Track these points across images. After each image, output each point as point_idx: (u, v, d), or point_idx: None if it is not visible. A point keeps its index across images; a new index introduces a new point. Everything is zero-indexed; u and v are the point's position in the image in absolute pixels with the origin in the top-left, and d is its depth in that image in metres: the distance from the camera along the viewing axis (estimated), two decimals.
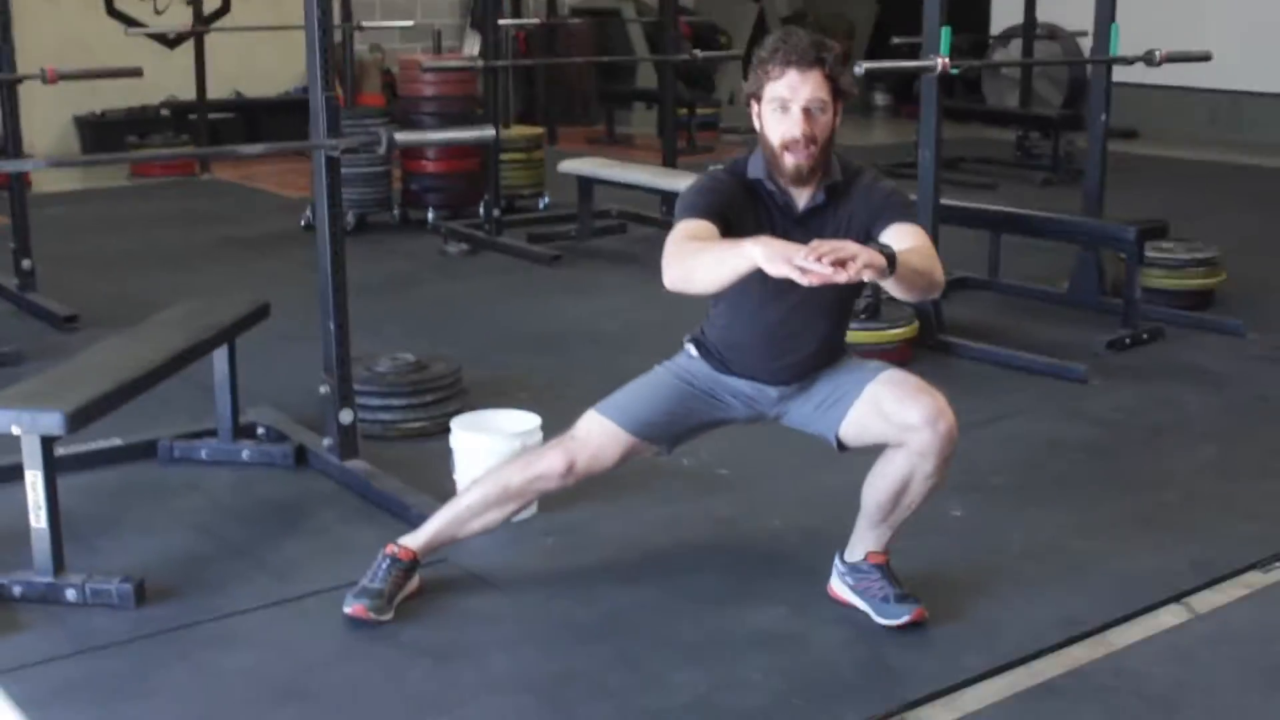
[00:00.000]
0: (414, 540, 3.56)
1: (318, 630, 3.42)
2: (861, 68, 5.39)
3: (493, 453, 3.95)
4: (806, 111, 3.22)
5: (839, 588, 3.55)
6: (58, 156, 11.22)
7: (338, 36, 10.57)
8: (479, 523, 3.56)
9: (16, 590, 3.52)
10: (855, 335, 5.44)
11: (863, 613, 3.45)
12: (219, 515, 4.16)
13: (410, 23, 12.48)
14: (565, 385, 5.29)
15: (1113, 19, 6.36)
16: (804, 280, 2.81)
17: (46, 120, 11.27)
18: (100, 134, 11.80)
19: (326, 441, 4.43)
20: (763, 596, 3.59)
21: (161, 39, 11.87)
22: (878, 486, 3.39)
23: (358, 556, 3.64)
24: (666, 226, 8.21)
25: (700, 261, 3.06)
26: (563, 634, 3.41)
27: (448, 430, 4.21)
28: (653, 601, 3.57)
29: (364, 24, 11.05)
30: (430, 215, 8.68)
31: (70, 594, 3.50)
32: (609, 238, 8.34)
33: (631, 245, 8.20)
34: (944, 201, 5.98)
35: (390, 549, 3.53)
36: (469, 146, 8.41)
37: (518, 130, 9.66)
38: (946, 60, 5.49)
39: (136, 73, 6.93)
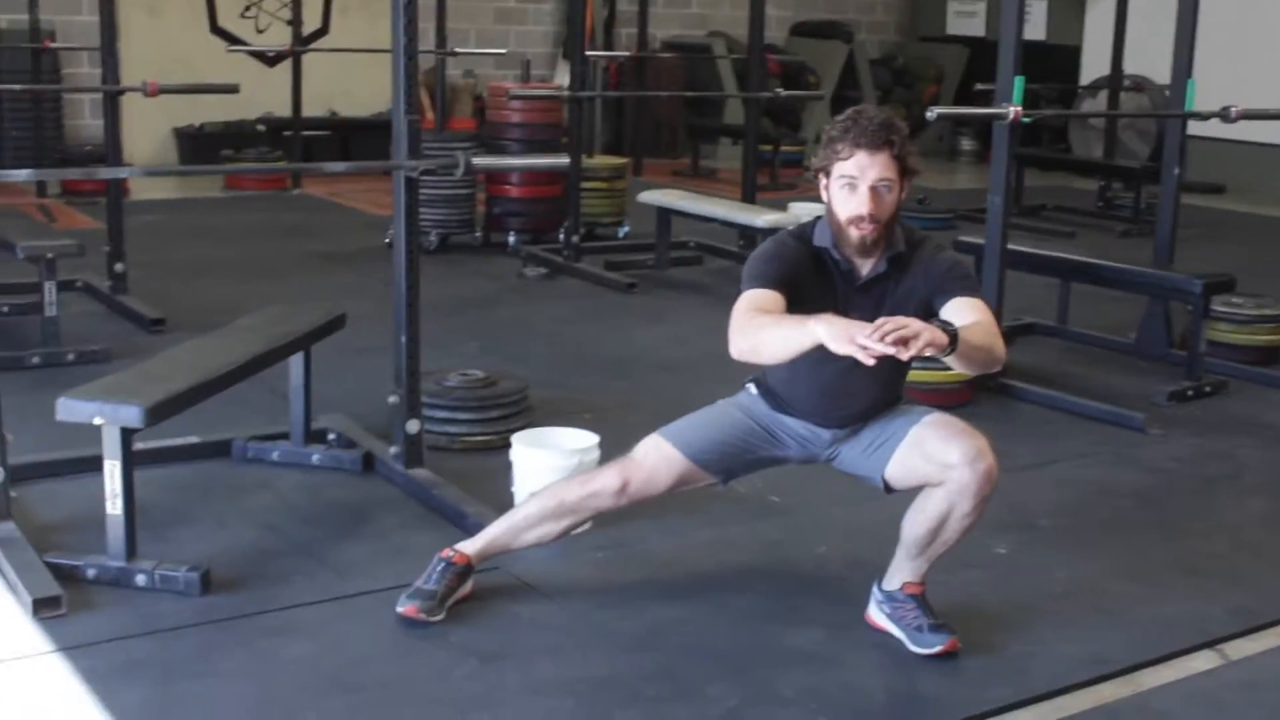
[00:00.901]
0: (470, 546, 3.70)
1: (372, 627, 3.56)
2: (933, 113, 5.50)
3: (550, 468, 4.09)
4: (873, 190, 3.32)
5: (876, 615, 3.64)
6: (155, 166, 11.55)
7: (432, 62, 10.82)
8: (533, 534, 3.70)
9: (90, 572, 3.69)
10: (916, 375, 5.50)
11: (897, 640, 3.55)
12: (286, 514, 4.32)
13: (503, 51, 12.72)
14: (630, 409, 5.42)
15: (1189, 74, 6.41)
16: (867, 360, 2.95)
17: (147, 131, 11.61)
18: (197, 146, 12.12)
19: (393, 450, 4.59)
20: (802, 618, 3.69)
21: (261, 57, 12.17)
22: (916, 521, 3.48)
23: (416, 560, 3.78)
24: (742, 260, 8.36)
25: (767, 337, 3.20)
26: (605, 643, 3.53)
27: (510, 445, 4.35)
28: (694, 617, 3.68)
29: (458, 50, 11.29)
30: (511, 238, 8.86)
31: (140, 579, 3.67)
32: (685, 268, 8.47)
33: (706, 277, 8.33)
34: (1014, 248, 6.06)
35: (446, 553, 3.67)
36: (552, 173, 8.59)
37: (601, 160, 9.84)
38: (1019, 109, 5.57)
39: (234, 89, 7.15)
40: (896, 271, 3.44)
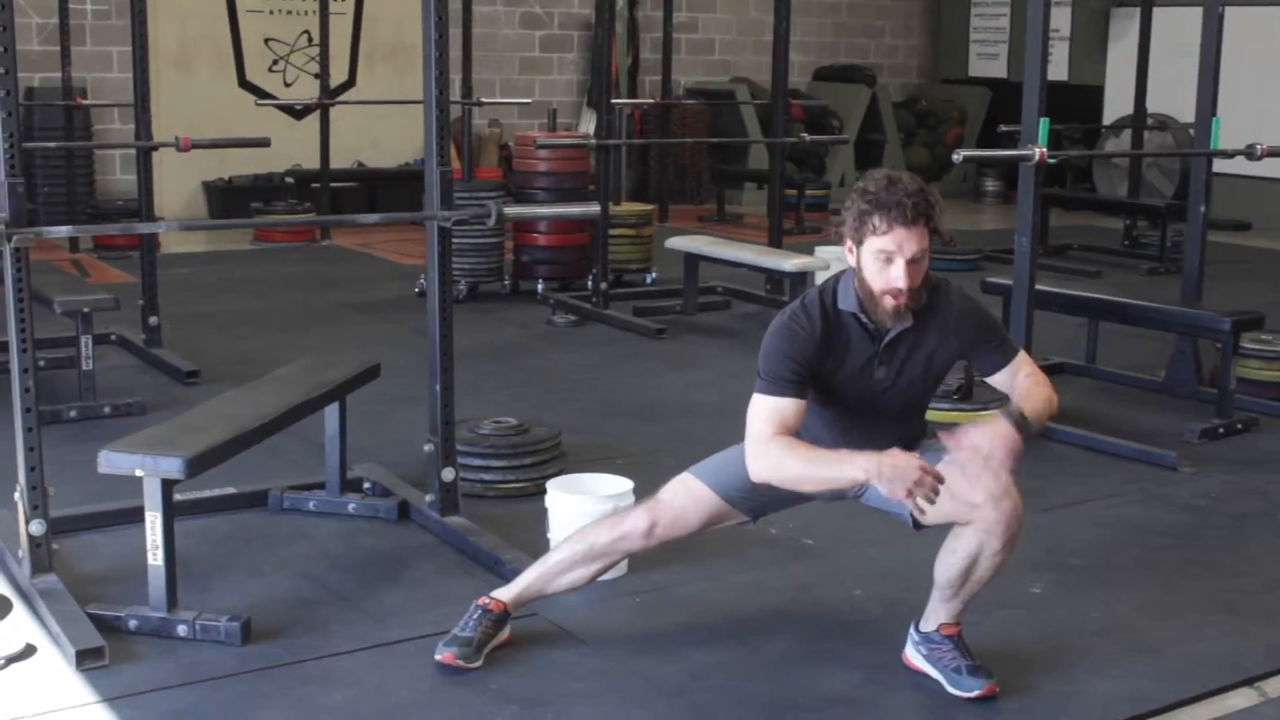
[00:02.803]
0: (505, 593, 3.73)
1: (410, 674, 3.59)
2: (959, 156, 5.53)
3: (585, 514, 4.12)
4: (911, 264, 3.32)
5: (914, 656, 3.65)
6: (188, 220, 11.69)
7: (458, 112, 10.91)
8: (567, 579, 3.72)
9: (132, 623, 3.73)
10: (948, 415, 5.57)
11: (935, 681, 3.55)
12: (324, 563, 4.36)
13: (528, 100, 12.82)
14: (663, 454, 5.45)
15: (1214, 112, 6.43)
16: (921, 514, 3.16)
17: (177, 185, 11.73)
18: (227, 199, 12.23)
19: (429, 498, 4.62)
20: (839, 661, 3.70)
21: (289, 110, 12.29)
22: (948, 563, 3.49)
23: (453, 607, 3.81)
24: (769, 304, 8.39)
25: (806, 475, 3.32)
26: (643, 688, 3.55)
27: (544, 491, 4.38)
28: (731, 661, 3.70)
29: (483, 100, 11.39)
30: (540, 286, 8.91)
31: (181, 629, 3.70)
32: (713, 313, 8.52)
33: (735, 321, 8.37)
34: (1042, 288, 6.08)
35: (482, 600, 3.70)
36: (579, 221, 8.65)
37: (628, 207, 9.90)
38: (1044, 150, 5.60)
39: (264, 143, 7.25)
40: (920, 324, 3.46)
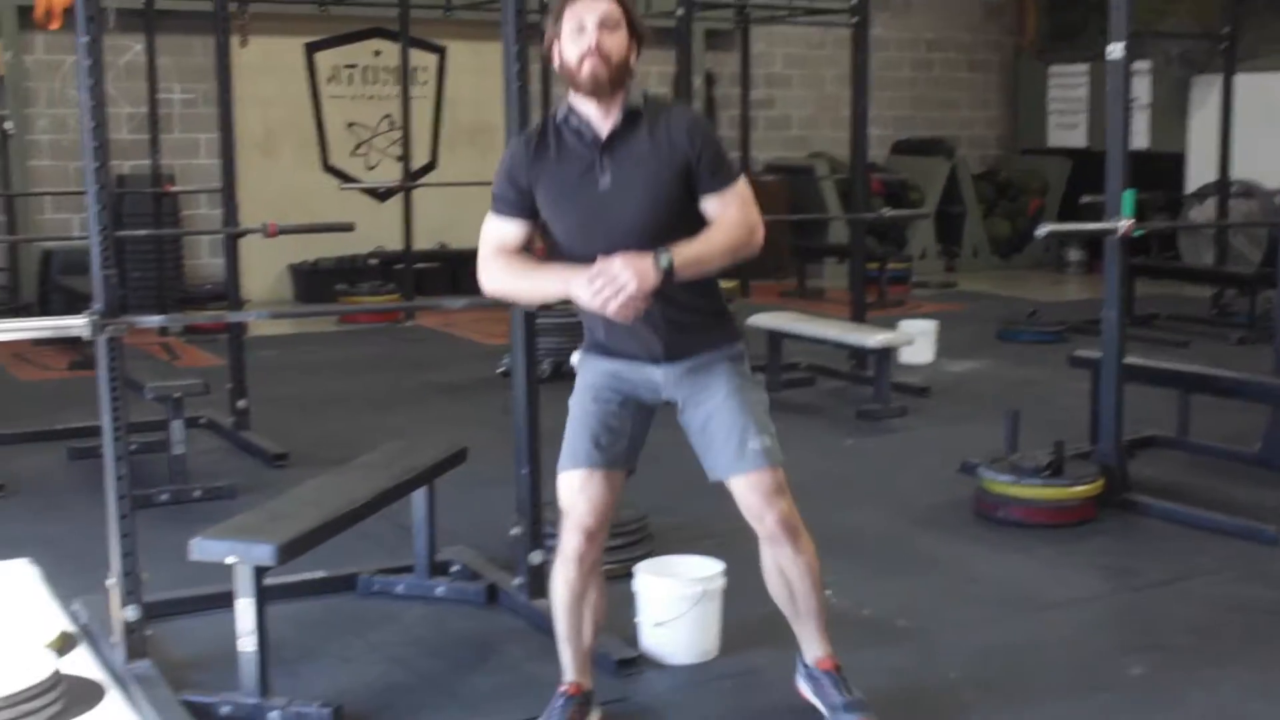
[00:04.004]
0: (570, 672, 3.71)
1: None
2: (1044, 230, 5.50)
3: (676, 598, 4.10)
4: (601, 26, 3.35)
5: (802, 687, 3.76)
6: (276, 307, 11.82)
7: None
8: (586, 624, 3.69)
9: (225, 710, 3.74)
10: (1039, 491, 5.50)
11: None
12: (413, 647, 4.36)
13: None
14: (749, 533, 5.36)
15: None
16: (617, 316, 3.21)
17: (263, 268, 11.90)
18: (312, 282, 12.38)
19: (517, 581, 4.62)
20: None
21: (372, 194, 12.45)
22: (770, 587, 3.71)
23: (543, 691, 3.79)
24: (854, 380, 8.34)
25: (517, 289, 3.50)
26: None
27: (633, 574, 4.36)
28: None
29: None
30: None
31: (274, 716, 3.71)
32: (797, 390, 8.48)
33: (819, 398, 8.33)
34: (1131, 361, 6.02)
35: (560, 688, 3.69)
36: None
37: None
38: (1130, 222, 5.55)
39: (349, 228, 7.33)
40: (642, 125, 3.42)
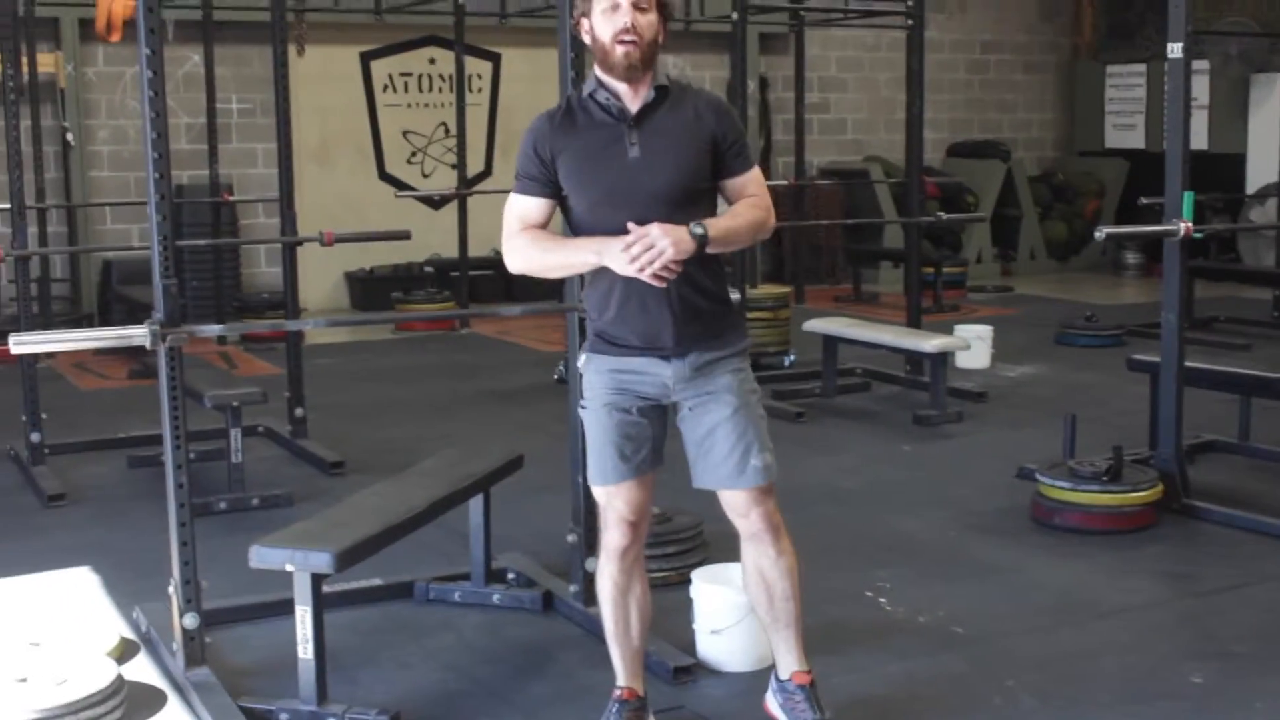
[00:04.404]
0: (623, 677, 3.69)
1: None
2: (1103, 232, 5.46)
3: (733, 606, 4.09)
4: (635, 8, 3.38)
5: (771, 704, 3.71)
6: (333, 315, 11.89)
7: None
8: (634, 621, 3.66)
9: (283, 717, 3.77)
10: (1097, 498, 5.46)
11: None
12: (470, 654, 4.37)
13: None
14: (806, 539, 5.32)
15: None
16: (651, 279, 3.25)
17: (320, 276, 11.97)
18: (368, 289, 12.45)
19: (573, 588, 4.62)
20: None
21: (428, 201, 12.50)
22: (750, 589, 3.70)
23: (599, 698, 3.79)
24: (910, 386, 8.32)
25: (545, 262, 3.49)
26: None
27: (689, 581, 4.36)
28: None
29: None
30: None
31: None
32: (853, 395, 8.45)
33: (875, 403, 8.30)
34: (1191, 364, 5.96)
35: (615, 694, 3.68)
36: None
37: (764, 289, 9.89)
38: (1190, 224, 5.50)
39: (405, 235, 7.37)
40: (670, 101, 3.48)
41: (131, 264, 10.91)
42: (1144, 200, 10.55)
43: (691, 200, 3.44)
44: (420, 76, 13.07)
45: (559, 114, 3.54)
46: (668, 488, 6.18)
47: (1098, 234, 5.61)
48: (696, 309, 3.48)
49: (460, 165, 11.70)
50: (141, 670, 4.21)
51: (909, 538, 5.52)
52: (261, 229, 11.90)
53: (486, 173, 12.97)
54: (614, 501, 3.58)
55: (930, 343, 7.76)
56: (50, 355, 9.19)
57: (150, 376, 4.16)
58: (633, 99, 3.46)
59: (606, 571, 3.64)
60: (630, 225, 3.28)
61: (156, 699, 4.01)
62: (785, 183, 12.82)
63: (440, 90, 12.97)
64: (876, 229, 13.84)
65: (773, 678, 3.73)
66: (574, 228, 3.53)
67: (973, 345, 8.74)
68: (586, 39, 3.51)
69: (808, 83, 13.29)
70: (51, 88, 11.23)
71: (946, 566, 5.19)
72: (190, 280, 11.02)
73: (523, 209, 3.52)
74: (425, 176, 13.08)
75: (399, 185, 12.56)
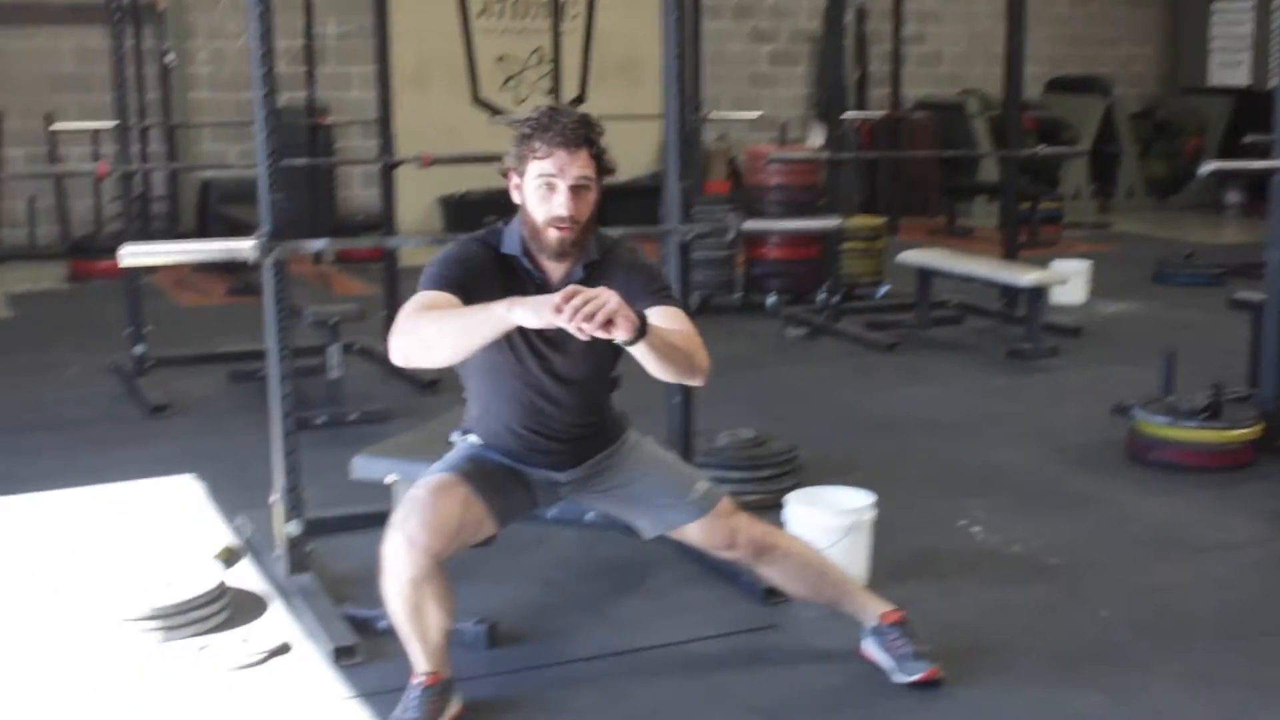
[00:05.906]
0: (421, 663, 3.41)
1: (653, 682, 3.64)
2: (1208, 168, 5.38)
3: (826, 528, 4.11)
4: (574, 190, 3.24)
5: (867, 647, 3.69)
6: (430, 234, 11.94)
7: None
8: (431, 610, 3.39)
9: (382, 624, 3.82)
10: (1196, 434, 5.41)
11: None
12: (565, 570, 4.43)
13: (757, 114, 12.82)
14: (898, 467, 5.41)
15: None
16: (579, 334, 2.83)
17: (414, 199, 12.01)
18: (461, 213, 12.50)
19: None
20: (1083, 684, 3.61)
21: None
22: (792, 592, 3.78)
23: (693, 616, 3.86)
24: (1003, 319, 8.27)
25: (446, 328, 3.03)
26: (885, 705, 3.53)
27: (782, 504, 4.38)
28: (971, 679, 3.63)
29: (713, 115, 11.43)
30: (770, 300, 8.88)
31: None
32: (946, 328, 8.40)
33: (968, 336, 8.25)
34: None
35: (414, 679, 3.41)
36: (810, 235, 8.64)
37: (860, 220, 9.83)
38: None
39: (501, 159, 7.38)
40: (592, 280, 3.21)
41: (229, 184, 11.04)
42: (1249, 138, 10.35)
43: (597, 380, 3.48)
44: (515, 2, 13.07)
45: (492, 253, 3.34)
46: (761, 415, 6.23)
47: (1203, 170, 5.53)
48: (583, 435, 3.49)
49: (555, 91, 11.68)
50: (245, 576, 4.31)
51: (1002, 469, 5.50)
52: (357, 152, 11.98)
53: (581, 99, 12.90)
54: (426, 499, 3.28)
55: (1026, 276, 7.69)
56: (152, 271, 9.33)
57: (249, 294, 4.22)
58: (559, 275, 3.31)
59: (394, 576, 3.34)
60: (560, 320, 2.84)
61: (259, 604, 4.10)
62: (881, 114, 12.71)
63: (535, 16, 12.95)
64: (972, 163, 13.69)
65: (862, 630, 3.70)
66: (467, 377, 3.48)
67: (1069, 280, 8.65)
68: (514, 196, 3.33)
69: (905, 15, 13.12)
70: (152, 10, 11.33)
71: (1040, 498, 5.16)
72: (286, 202, 11.09)
73: (430, 299, 3.16)
74: (520, 102, 13.08)
75: (493, 111, 12.57)
